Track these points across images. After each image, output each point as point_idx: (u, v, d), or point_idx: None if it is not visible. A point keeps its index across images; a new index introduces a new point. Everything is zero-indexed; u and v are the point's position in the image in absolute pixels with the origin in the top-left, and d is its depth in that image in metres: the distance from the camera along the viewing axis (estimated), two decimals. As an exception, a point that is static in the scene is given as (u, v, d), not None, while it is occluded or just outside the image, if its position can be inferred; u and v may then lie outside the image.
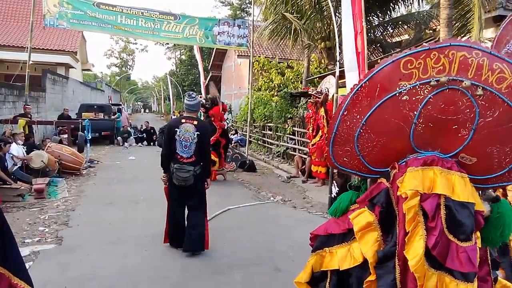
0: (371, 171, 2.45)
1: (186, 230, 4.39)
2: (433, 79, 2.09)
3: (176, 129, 4.34)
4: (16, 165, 7.72)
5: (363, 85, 2.19)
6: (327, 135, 2.40)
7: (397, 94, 2.17)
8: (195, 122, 4.38)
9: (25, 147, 8.47)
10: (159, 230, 4.96)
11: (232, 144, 15.44)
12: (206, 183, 4.49)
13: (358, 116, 2.26)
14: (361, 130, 2.29)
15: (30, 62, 11.57)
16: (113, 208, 6.35)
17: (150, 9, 12.08)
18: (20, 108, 11.55)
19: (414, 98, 2.17)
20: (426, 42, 6.91)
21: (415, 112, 2.21)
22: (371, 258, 2.25)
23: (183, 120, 4.40)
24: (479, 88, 2.06)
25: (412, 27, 12.57)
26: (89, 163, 10.48)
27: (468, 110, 2.15)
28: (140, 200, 6.92)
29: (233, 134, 17.43)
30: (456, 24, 9.46)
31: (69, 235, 4.96)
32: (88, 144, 11.13)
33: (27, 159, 7.83)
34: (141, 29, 11.99)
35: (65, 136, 11.85)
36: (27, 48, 11.49)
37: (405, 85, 2.14)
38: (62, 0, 10.89)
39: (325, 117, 7.98)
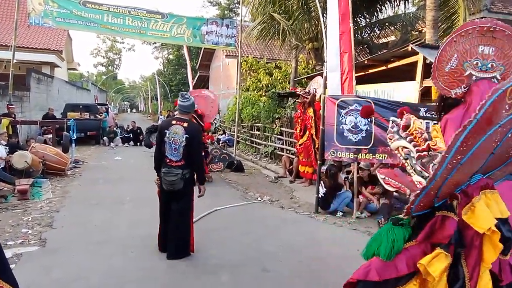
0: (431, 206, 2.20)
1: (169, 236, 4.28)
2: None
3: (166, 130, 4.21)
4: (-1, 165, 7.57)
5: (477, 121, 1.85)
6: (425, 185, 2.04)
7: (498, 127, 1.92)
8: (185, 124, 4.22)
9: (7, 148, 8.30)
10: (146, 231, 4.92)
11: (220, 144, 15.41)
12: (199, 189, 4.35)
13: (459, 157, 1.96)
14: (455, 171, 2.01)
15: (14, 61, 11.37)
16: (98, 209, 6.27)
17: (137, 8, 11.98)
18: (3, 107, 11.33)
19: (505, 129, 1.98)
20: (412, 44, 7.00)
21: (499, 143, 2.04)
22: None
23: (174, 122, 4.26)
24: None
25: (399, 28, 12.72)
26: (74, 164, 10.32)
27: None
28: (126, 201, 6.85)
29: (221, 134, 17.40)
30: (442, 26, 9.59)
31: (53, 237, 4.87)
32: (73, 144, 10.97)
33: (10, 159, 7.68)
34: (128, 28, 11.87)
35: (50, 136, 11.66)
36: (11, 46, 11.27)
37: (505, 116, 1.91)
38: (47, -3, 10.71)
39: (313, 117, 8.00)
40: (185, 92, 4.63)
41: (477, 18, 11.62)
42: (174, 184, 4.14)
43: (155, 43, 40.81)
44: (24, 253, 4.30)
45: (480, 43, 2.85)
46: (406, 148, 2.37)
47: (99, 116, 17.30)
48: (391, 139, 2.50)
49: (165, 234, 4.36)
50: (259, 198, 7.38)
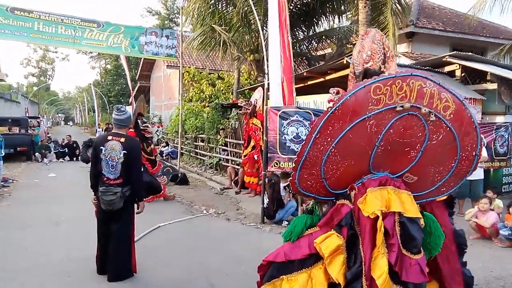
0: (329, 194, 2.48)
1: (109, 257, 4.06)
2: (398, 104, 2.22)
3: (101, 147, 3.98)
4: None
5: (337, 108, 2.20)
6: (296, 158, 2.35)
7: (366, 118, 2.24)
8: (122, 140, 4.01)
9: None
10: (84, 253, 4.65)
11: (164, 157, 15.04)
12: (138, 206, 4.15)
13: (329, 139, 2.26)
14: (330, 153, 2.30)
15: None
16: (30, 231, 5.82)
17: (71, 16, 11.40)
18: None
19: (380, 122, 2.26)
20: (347, 56, 7.35)
21: (379, 136, 2.31)
22: (342, 281, 2.27)
23: (109, 137, 4.04)
24: (432, 114, 2.27)
25: (335, 41, 13.31)
26: (2, 183, 9.54)
27: (420, 134, 2.35)
28: (61, 220, 6.43)
29: (164, 146, 17.00)
30: (374, 40, 10.17)
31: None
32: (1, 162, 10.14)
33: None
34: (60, 36, 11.26)
35: (-27, 153, 10.68)
36: None
37: (373, 110, 2.22)
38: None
39: (261, 128, 8.01)
40: (121, 105, 4.42)
41: (405, 33, 12.53)
42: (113, 203, 3.92)
43: (91, 52, 39.13)
44: None
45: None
46: None
47: (30, 131, 16.19)
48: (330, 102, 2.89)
49: (104, 255, 4.13)
50: (204, 211, 7.29)
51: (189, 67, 18.72)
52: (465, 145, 2.43)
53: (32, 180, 10.59)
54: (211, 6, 11.89)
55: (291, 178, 2.41)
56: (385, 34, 9.92)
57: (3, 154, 10.24)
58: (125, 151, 3.96)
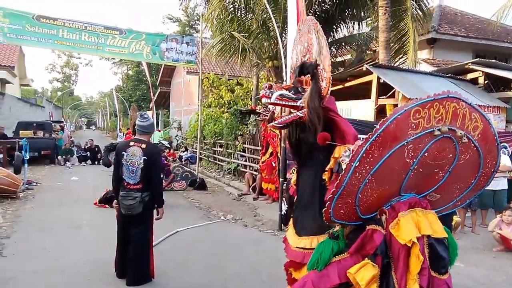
0: (359, 219, 2.38)
1: (128, 261, 4.13)
2: (436, 128, 2.15)
3: (123, 152, 4.07)
4: None
5: (378, 135, 2.09)
6: (334, 189, 2.22)
7: (405, 143, 2.15)
8: (143, 146, 4.09)
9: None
10: (104, 256, 4.74)
11: (183, 162, 15.22)
12: (157, 212, 4.22)
13: (368, 167, 2.17)
14: (367, 181, 2.21)
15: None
16: (53, 234, 5.97)
17: (94, 23, 11.71)
18: None
19: (417, 147, 2.19)
20: (367, 63, 7.32)
21: (415, 160, 2.23)
22: None
23: (131, 143, 4.13)
24: (464, 136, 2.23)
25: (354, 48, 13.23)
26: (26, 185, 9.81)
27: (450, 155, 2.31)
28: (83, 224, 6.57)
29: (183, 151, 17.21)
30: (394, 46, 10.09)
31: (3, 266, 4.57)
32: (26, 165, 10.44)
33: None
34: (84, 43, 11.56)
35: (0, 156, 11.04)
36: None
37: (412, 134, 2.14)
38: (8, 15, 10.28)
39: (279, 135, 8.03)
40: (144, 112, 4.53)
41: (426, 39, 12.36)
42: (132, 208, 4.00)
43: (113, 58, 39.99)
44: (-32, 286, 4.01)
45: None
46: None
47: (54, 135, 16.63)
48: (343, 162, 2.65)
49: (123, 259, 4.21)
50: (222, 217, 7.32)
51: (208, 73, 18.93)
52: (487, 162, 2.42)
53: (55, 183, 10.86)
54: (231, 13, 12.01)
55: (325, 208, 2.30)
56: (405, 40, 9.87)
57: (28, 157, 10.55)
58: (145, 157, 4.03)
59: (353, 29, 12.93)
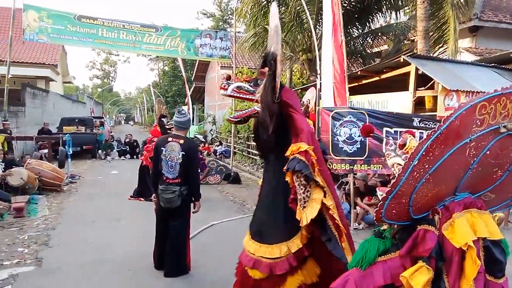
0: (410, 219, 2.26)
1: (166, 253, 4.26)
2: (501, 125, 2.01)
3: (162, 148, 4.18)
4: (-6, 183, 7.53)
5: (441, 132, 1.94)
6: (389, 189, 2.11)
7: (468, 141, 2.00)
8: (181, 141, 4.19)
9: (3, 164, 8.27)
10: (143, 248, 4.90)
11: (217, 156, 15.41)
12: (195, 205, 4.32)
13: (426, 166, 2.03)
14: (424, 180, 2.08)
15: (9, 76, 11.37)
16: (94, 226, 6.24)
17: (132, 22, 12.05)
18: (-1, 123, 11.31)
19: (479, 145, 2.04)
20: (404, 54, 7.08)
21: (475, 159, 2.10)
22: None
23: (170, 139, 4.24)
24: None
25: (391, 38, 12.85)
26: (70, 179, 10.29)
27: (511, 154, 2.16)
28: (122, 217, 6.82)
29: (218, 146, 17.42)
30: (433, 35, 9.71)
31: (50, 256, 4.84)
32: (69, 159, 10.94)
33: (6, 176, 7.65)
34: (122, 42, 11.94)
35: (46, 151, 11.62)
36: (6, 61, 11.29)
37: (476, 131, 1.98)
38: (42, 15, 10.77)
39: (312, 129, 7.97)
40: (182, 108, 4.63)
41: (468, 27, 11.78)
42: (171, 201, 4.12)
43: (150, 55, 40.96)
44: (20, 274, 4.27)
45: None
46: (401, 165, 2.43)
47: (95, 130, 17.29)
48: (388, 156, 2.56)
49: (161, 251, 4.34)
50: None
51: (242, 67, 19.00)
52: None
53: (96, 177, 11.32)
54: (264, 7, 11.97)
55: (377, 208, 2.20)
56: (445, 29, 9.46)
57: (71, 152, 11.04)
58: (183, 152, 4.13)
59: (390, 18, 12.55)
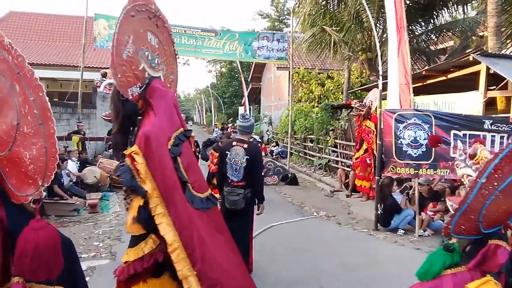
0: (480, 234, 2.25)
1: None
2: None
3: (227, 152, 4.33)
4: (72, 181, 8.19)
5: (510, 150, 1.93)
6: (457, 206, 2.16)
7: None
8: (246, 146, 4.30)
9: (78, 163, 8.97)
10: (206, 246, 5.09)
11: (273, 157, 15.52)
12: (258, 207, 4.44)
13: (495, 183, 2.03)
14: (494, 197, 2.08)
15: (82, 80, 12.27)
16: (161, 223, 6.56)
17: (193, 27, 12.50)
18: (73, 125, 12.24)
19: None
20: (473, 51, 6.69)
21: None
22: None
23: (234, 143, 4.37)
24: None
25: (457, 34, 12.16)
26: (137, 177, 10.86)
27: None
28: (186, 215, 7.11)
29: (274, 146, 17.53)
30: (506, 31, 9.05)
31: (122, 250, 5.14)
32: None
33: (82, 175, 8.29)
34: (184, 46, 12.41)
35: (115, 150, 12.40)
36: (80, 67, 12.20)
37: None
38: (111, 23, 11.49)
39: (374, 131, 7.80)
40: (246, 113, 4.77)
41: None
42: (236, 203, 4.26)
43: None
44: (97, 266, 4.62)
45: (149, 29, 2.44)
46: (471, 176, 2.37)
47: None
48: (458, 166, 2.49)
49: None
50: (315, 213, 7.35)
51: (298, 68, 18.96)
52: None
53: (160, 176, 11.84)
54: (322, 7, 11.87)
55: (445, 224, 2.22)
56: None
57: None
58: (247, 157, 4.26)
59: (457, 13, 11.88)
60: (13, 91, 1.90)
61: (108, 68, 14.73)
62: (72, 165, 8.40)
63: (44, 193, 2.19)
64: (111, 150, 12.99)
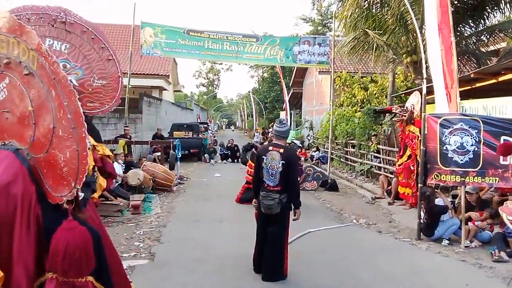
0: None
1: (265, 257, 4.40)
2: None
3: (263, 156, 4.37)
4: (117, 182, 8.54)
5: None
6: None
7: None
8: (281, 150, 4.32)
9: (124, 166, 9.34)
10: (242, 250, 5.12)
11: (313, 162, 15.36)
12: (295, 213, 4.42)
13: None
14: None
15: (129, 86, 12.80)
16: (199, 225, 6.69)
17: (234, 33, 12.66)
18: (120, 129, 12.79)
19: None
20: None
21: None
22: None
23: (270, 148, 4.41)
24: None
25: (511, 35, 11.45)
26: (179, 180, 11.17)
27: None
28: (224, 218, 7.20)
29: (315, 151, 17.35)
30: None
31: (161, 251, 5.33)
32: (178, 162, 11.90)
33: (126, 177, 8.63)
34: (226, 52, 12.61)
35: (158, 154, 12.81)
36: (127, 74, 12.75)
37: None
38: (157, 31, 11.92)
39: (418, 137, 7.50)
40: (283, 118, 4.79)
41: None
42: (271, 208, 4.27)
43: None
44: (136, 266, 4.78)
45: (49, 35, 2.36)
46: None
47: (200, 135, 18.57)
48: None
49: (260, 255, 4.50)
50: (354, 221, 7.17)
51: (340, 72, 18.67)
52: None
53: (201, 179, 12.12)
54: (365, 10, 11.62)
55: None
56: None
57: (180, 155, 12.00)
58: (283, 161, 4.26)
59: (510, 13, 11.19)
60: (50, 96, 2.03)
61: (154, 74, 15.42)
62: (117, 167, 8.74)
63: (82, 194, 2.29)
64: (155, 153, 13.46)
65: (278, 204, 4.24)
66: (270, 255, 4.37)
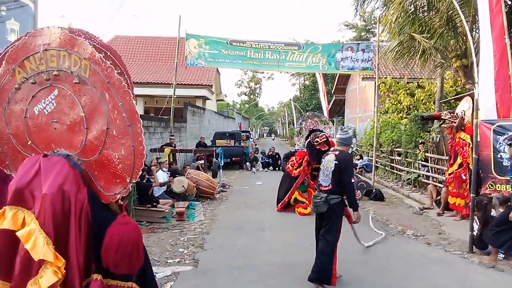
0: None
1: (315, 258, 4.42)
2: None
3: (322, 159, 4.62)
4: (164, 190, 8.79)
5: None
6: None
7: None
8: (337, 153, 4.49)
9: (169, 173, 9.60)
10: (284, 258, 5.09)
11: (357, 170, 15.00)
12: (351, 215, 4.53)
13: None
14: None
15: (175, 96, 13.20)
16: (241, 233, 6.72)
17: (276, 42, 12.74)
18: (166, 138, 13.19)
19: None
20: None
21: None
22: None
23: (329, 152, 4.64)
24: None
25: None
26: (221, 188, 11.32)
27: None
28: (266, 226, 7.19)
29: (358, 159, 16.95)
30: None
31: (204, 258, 5.40)
32: (221, 170, 12.05)
33: (170, 183, 8.86)
34: (267, 61, 12.70)
35: (202, 162, 13.05)
36: (173, 84, 13.15)
37: None
38: (201, 42, 12.24)
39: (470, 144, 7.14)
40: (345, 126, 4.88)
41: None
42: (317, 206, 4.41)
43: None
44: (180, 272, 4.86)
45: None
46: None
47: (242, 143, 18.75)
48: None
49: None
50: (401, 232, 6.91)
51: (385, 78, 18.20)
52: None
53: (243, 187, 12.20)
54: (411, 14, 11.28)
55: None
56: None
57: (222, 163, 12.16)
58: (336, 162, 4.38)
59: None
60: (103, 99, 2.18)
61: (198, 84, 15.81)
62: (162, 175, 9.02)
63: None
64: (198, 161, 13.73)
65: (324, 203, 4.32)
66: (319, 255, 4.39)
